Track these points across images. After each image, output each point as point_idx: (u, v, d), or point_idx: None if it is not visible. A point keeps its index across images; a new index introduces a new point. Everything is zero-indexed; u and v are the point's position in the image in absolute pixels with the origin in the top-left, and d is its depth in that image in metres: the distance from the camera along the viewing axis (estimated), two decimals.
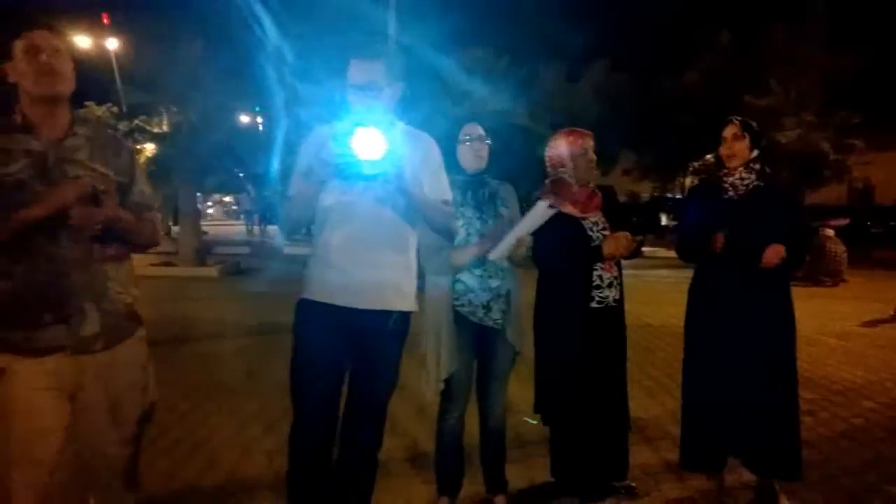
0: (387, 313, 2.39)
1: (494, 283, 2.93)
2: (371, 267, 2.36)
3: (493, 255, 2.83)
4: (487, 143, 2.99)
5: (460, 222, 2.89)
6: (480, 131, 2.98)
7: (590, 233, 3.01)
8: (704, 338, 3.17)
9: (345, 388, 2.49)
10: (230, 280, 12.45)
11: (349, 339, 2.39)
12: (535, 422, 3.19)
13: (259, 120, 26.81)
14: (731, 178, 3.17)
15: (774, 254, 2.94)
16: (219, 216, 50.32)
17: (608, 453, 3.11)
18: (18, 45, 2.02)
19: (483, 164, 2.99)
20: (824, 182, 17.96)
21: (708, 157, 20.25)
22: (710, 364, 3.12)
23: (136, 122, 13.90)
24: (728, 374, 3.06)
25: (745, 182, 3.13)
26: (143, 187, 2.23)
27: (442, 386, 2.91)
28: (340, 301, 2.36)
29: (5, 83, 2.04)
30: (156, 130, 14.01)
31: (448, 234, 2.60)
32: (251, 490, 3.35)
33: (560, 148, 3.06)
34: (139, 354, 2.23)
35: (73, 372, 2.06)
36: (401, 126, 2.46)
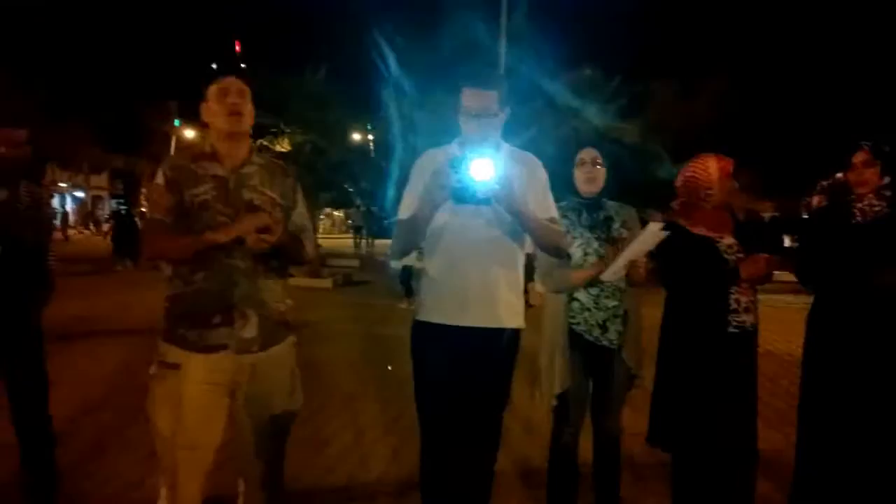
0: (500, 331, 2.49)
1: (611, 302, 2.99)
2: (483, 286, 2.47)
3: (605, 277, 2.90)
4: (602, 167, 3.05)
5: (578, 242, 2.99)
6: (595, 154, 3.05)
7: (724, 255, 3.00)
8: (822, 378, 3.05)
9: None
10: (343, 291, 13.01)
11: (464, 358, 2.48)
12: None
13: (370, 138, 27.84)
14: (860, 204, 3.09)
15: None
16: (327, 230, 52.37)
17: (733, 485, 3.07)
18: (212, 89, 2.35)
19: (597, 188, 3.05)
20: None
21: (839, 175, 19.07)
22: (828, 409, 2.99)
23: (261, 141, 14.90)
24: (847, 424, 2.93)
25: (875, 209, 3.04)
26: (301, 209, 2.49)
27: (555, 402, 3.00)
28: (455, 321, 2.47)
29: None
30: (279, 149, 14.95)
31: (557, 253, 2.66)
32: (371, 495, 3.54)
33: (710, 170, 3.06)
34: (289, 358, 2.46)
35: (234, 370, 2.31)
36: (506, 147, 2.57)
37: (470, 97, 2.46)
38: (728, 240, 3.03)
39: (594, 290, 2.99)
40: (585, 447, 3.20)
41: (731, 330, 2.95)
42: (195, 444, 2.30)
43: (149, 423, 2.33)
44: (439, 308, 2.51)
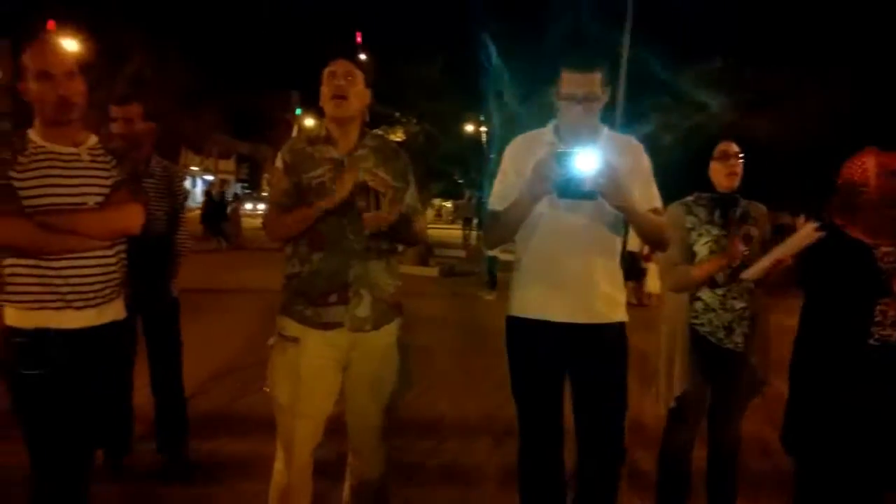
0: (603, 326, 2.38)
1: (739, 304, 2.83)
2: (583, 279, 2.36)
3: (746, 275, 2.72)
4: (742, 161, 2.89)
5: (704, 240, 2.84)
6: (735, 148, 2.89)
7: (880, 263, 2.74)
8: None
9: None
10: (447, 280, 13.15)
11: (567, 355, 2.40)
12: None
13: (483, 129, 27.91)
14: None
15: None
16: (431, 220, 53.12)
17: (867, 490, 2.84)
18: (324, 73, 2.39)
19: (736, 183, 2.89)
20: None
21: None
22: None
23: (377, 131, 15.27)
24: None
25: None
26: (413, 191, 2.52)
27: (673, 404, 2.88)
28: (553, 316, 2.37)
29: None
30: (393, 139, 15.30)
31: (660, 245, 2.52)
32: (474, 480, 3.57)
33: (866, 167, 2.84)
34: (398, 337, 2.51)
35: (347, 346, 2.38)
36: (606, 132, 2.43)
37: (569, 81, 2.30)
38: (887, 247, 2.77)
39: (720, 291, 2.84)
40: (699, 455, 3.07)
41: (872, 343, 2.71)
42: (310, 413, 2.40)
43: (268, 391, 2.44)
44: (537, 303, 2.40)
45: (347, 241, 2.34)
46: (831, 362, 2.76)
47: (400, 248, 2.58)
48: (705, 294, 2.85)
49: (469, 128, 20.76)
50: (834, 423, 2.73)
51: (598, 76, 2.29)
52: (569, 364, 2.42)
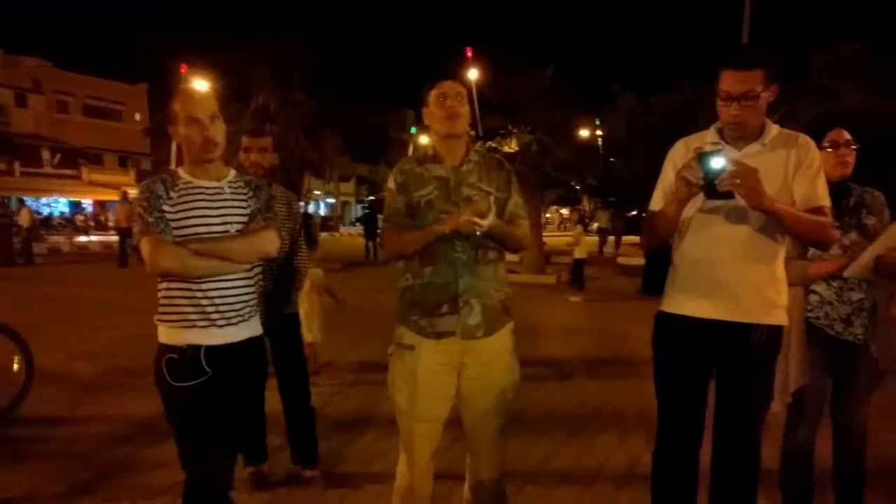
0: (751, 326, 2.35)
1: (856, 295, 2.76)
2: (730, 279, 2.35)
3: (848, 273, 2.67)
4: (854, 149, 2.82)
5: None
6: (847, 136, 2.81)
7: None
8: None
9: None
10: (566, 288, 13.08)
11: (713, 352, 2.39)
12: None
13: (599, 133, 27.44)
14: None
15: None
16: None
17: None
18: (432, 94, 2.58)
19: (848, 171, 2.81)
20: None
21: None
22: None
23: (490, 143, 15.50)
24: None
25: None
26: (517, 199, 2.64)
27: (790, 400, 2.83)
28: (701, 313, 2.38)
29: None
30: (506, 150, 15.43)
31: (819, 245, 2.44)
32: (593, 480, 3.64)
33: None
34: (509, 342, 2.63)
35: (460, 353, 2.54)
36: (774, 131, 2.39)
37: (727, 80, 2.28)
38: None
39: (836, 283, 2.78)
40: (826, 451, 2.98)
41: None
42: (427, 417, 2.57)
43: (390, 399, 2.65)
44: (684, 300, 2.44)
45: (456, 253, 2.50)
46: None
47: (517, 257, 2.69)
48: (820, 287, 2.80)
49: (584, 133, 20.54)
50: None
51: (758, 74, 2.26)
52: (716, 362, 2.42)
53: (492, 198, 2.48)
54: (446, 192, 2.53)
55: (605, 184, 26.69)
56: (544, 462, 3.87)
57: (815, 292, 2.81)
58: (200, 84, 12.68)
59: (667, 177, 2.47)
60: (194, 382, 2.30)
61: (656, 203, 2.50)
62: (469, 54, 21.13)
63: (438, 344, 2.52)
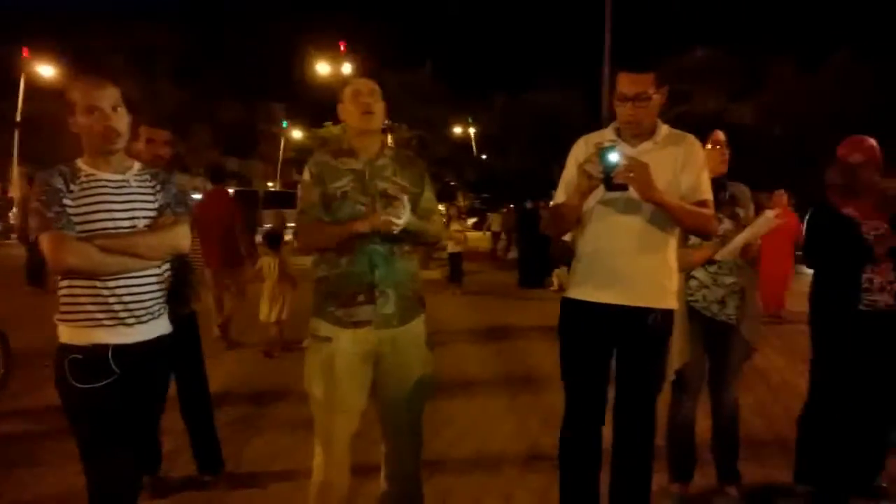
0: (646, 310, 2.53)
1: (729, 279, 3.08)
2: (627, 266, 2.53)
3: (719, 256, 3.00)
4: (729, 149, 3.16)
5: None
6: (724, 137, 3.15)
7: (866, 236, 3.03)
8: None
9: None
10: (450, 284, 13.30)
11: (612, 335, 2.57)
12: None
13: (472, 131, 28.09)
14: None
15: None
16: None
17: (864, 459, 3.12)
18: (347, 91, 2.61)
19: (725, 169, 3.15)
20: None
21: None
22: None
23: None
24: None
25: None
26: (430, 195, 2.73)
27: (673, 377, 3.10)
28: (600, 298, 2.55)
29: None
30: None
31: (702, 235, 2.67)
32: (496, 466, 3.78)
33: (844, 153, 3.14)
34: (422, 332, 2.72)
35: (376, 343, 2.59)
36: (664, 130, 2.62)
37: (623, 82, 2.49)
38: (876, 222, 3.04)
39: (712, 268, 3.09)
40: (704, 426, 3.30)
41: (862, 308, 2.99)
42: (346, 407, 2.60)
43: (307, 391, 2.64)
44: (585, 287, 2.60)
45: (372, 244, 2.55)
46: (829, 328, 3.09)
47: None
48: (699, 272, 3.10)
49: (459, 130, 21.00)
50: (827, 380, 3.03)
51: (650, 77, 2.48)
52: (616, 345, 2.59)
53: (406, 197, 2.54)
54: (362, 184, 2.58)
55: (480, 180, 27.49)
56: (448, 450, 3.98)
57: (694, 277, 3.11)
58: (46, 68, 11.68)
59: (569, 171, 2.64)
60: (100, 384, 2.20)
61: (560, 196, 2.66)
62: (343, 49, 20.98)
63: (355, 334, 2.55)
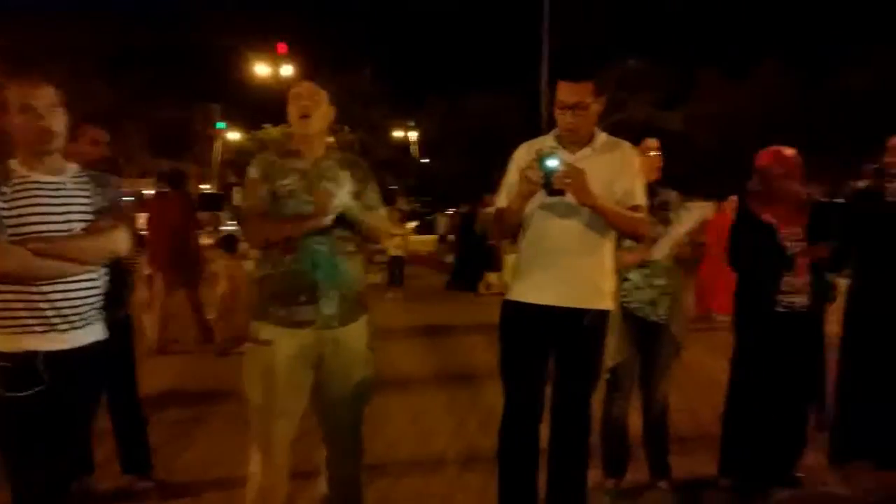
0: (582, 311, 2.61)
1: (660, 281, 3.21)
2: (566, 268, 2.61)
3: (654, 255, 3.13)
4: (660, 155, 3.30)
5: None
6: (655, 144, 3.29)
7: (784, 242, 3.20)
8: (864, 340, 3.29)
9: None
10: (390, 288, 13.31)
11: (550, 335, 2.64)
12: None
13: (413, 134, 28.12)
14: (893, 185, 3.24)
15: None
16: None
17: (782, 451, 3.29)
18: (291, 93, 2.63)
19: (657, 175, 3.29)
20: None
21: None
22: (869, 365, 3.22)
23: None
24: (887, 376, 3.17)
25: None
26: (373, 193, 2.75)
27: (607, 376, 3.20)
28: (539, 300, 2.63)
29: None
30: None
31: (636, 238, 2.78)
32: (435, 467, 3.82)
33: (764, 162, 3.31)
34: (365, 333, 2.72)
35: (317, 343, 2.58)
36: (602, 138, 2.71)
37: (563, 90, 2.57)
38: (792, 228, 3.22)
39: (645, 270, 3.22)
40: (635, 423, 3.42)
41: (780, 309, 3.17)
42: (285, 411, 2.58)
43: (243, 396, 2.61)
44: (525, 289, 2.67)
45: (315, 243, 2.55)
46: (750, 327, 3.30)
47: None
48: (632, 274, 3.21)
49: (399, 133, 20.99)
50: (747, 375, 3.21)
51: (588, 86, 2.56)
52: (553, 344, 2.65)
53: (346, 184, 2.58)
54: (307, 183, 2.59)
55: (421, 184, 27.55)
56: (388, 451, 3.99)
57: (627, 279, 3.22)
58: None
59: (511, 176, 2.71)
60: (29, 392, 2.12)
61: (502, 200, 2.73)
62: (282, 49, 20.68)
63: (296, 334, 2.55)
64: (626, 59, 16.53)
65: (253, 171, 2.65)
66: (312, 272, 2.55)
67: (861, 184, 3.70)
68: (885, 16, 20.12)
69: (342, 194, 2.50)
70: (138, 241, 6.57)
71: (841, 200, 4.50)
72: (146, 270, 6.62)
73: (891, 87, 17.92)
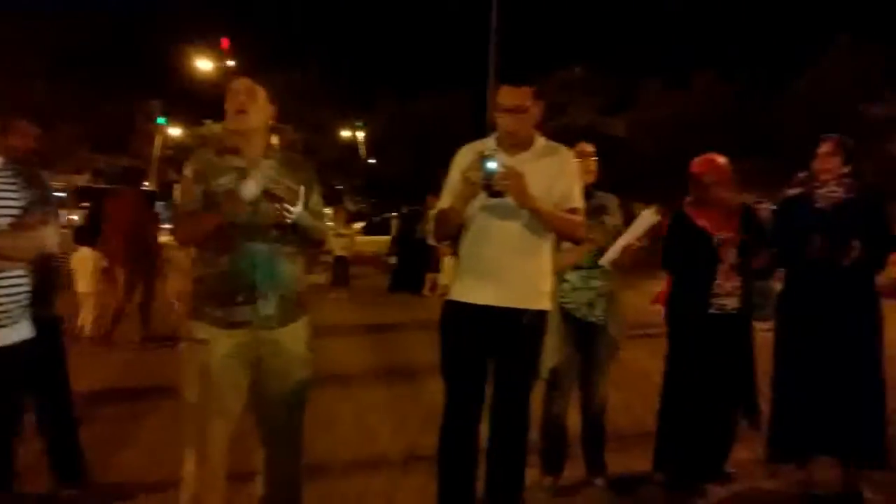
0: (521, 311, 2.66)
1: (597, 282, 3.29)
2: (505, 269, 2.65)
3: (603, 261, 3.20)
4: (595, 159, 3.37)
5: None
6: (590, 149, 3.36)
7: (716, 246, 3.32)
8: (795, 341, 3.42)
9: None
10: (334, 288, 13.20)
11: (490, 335, 2.67)
12: None
13: (360, 135, 27.93)
14: (822, 191, 3.40)
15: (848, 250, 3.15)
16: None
17: (713, 447, 3.42)
18: (228, 89, 2.58)
19: (592, 178, 3.36)
20: None
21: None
22: (800, 365, 3.36)
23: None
24: (817, 375, 3.30)
25: (835, 194, 3.36)
26: (316, 197, 2.72)
27: (546, 376, 3.26)
28: (479, 300, 2.66)
29: None
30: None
31: (574, 241, 2.85)
32: (377, 467, 3.80)
33: (697, 169, 3.42)
34: (304, 334, 2.70)
35: (255, 344, 2.55)
36: (541, 142, 2.76)
37: (503, 94, 2.64)
38: (725, 234, 3.33)
39: (583, 272, 3.28)
40: (573, 421, 3.49)
41: (713, 311, 3.29)
42: (222, 411, 2.54)
43: (179, 396, 2.57)
44: (465, 289, 2.71)
45: (253, 243, 2.51)
46: (684, 329, 3.42)
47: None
48: (571, 276, 3.28)
49: (346, 134, 20.82)
50: (680, 375, 3.32)
51: (528, 90, 2.62)
52: (493, 344, 2.68)
53: (302, 189, 2.55)
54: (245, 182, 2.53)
55: (368, 184, 27.39)
56: (330, 451, 3.96)
57: (566, 280, 3.29)
58: None
59: (453, 178, 2.73)
60: None
61: (444, 201, 2.76)
62: (225, 45, 20.28)
63: (233, 335, 2.51)
64: (572, 66, 16.92)
65: (187, 170, 2.60)
66: (251, 272, 2.51)
67: (793, 190, 3.86)
68: (818, 29, 21.13)
69: (299, 202, 2.47)
70: (88, 236, 6.98)
71: (774, 206, 4.71)
72: (104, 263, 6.94)
73: (823, 96, 18.78)
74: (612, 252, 3.17)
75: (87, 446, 3.48)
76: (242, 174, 2.55)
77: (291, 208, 2.44)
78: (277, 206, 2.43)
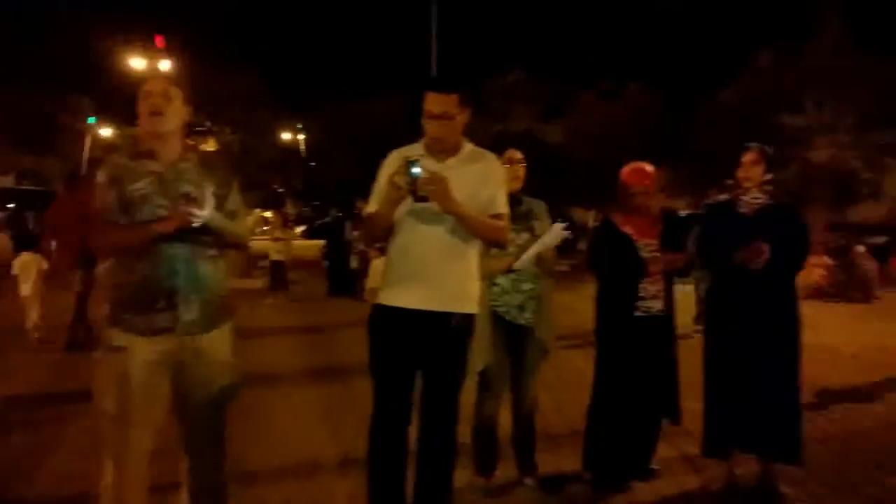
0: (449, 314, 2.68)
1: (527, 286, 3.34)
2: (432, 273, 2.66)
3: (517, 265, 3.25)
4: (524, 165, 3.42)
5: None
6: (519, 155, 3.41)
7: (641, 252, 3.44)
8: (719, 341, 3.55)
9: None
10: (273, 293, 13.00)
11: (418, 338, 2.68)
12: None
13: (301, 137, 27.56)
14: (745, 198, 3.55)
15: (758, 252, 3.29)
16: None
17: (640, 445, 3.52)
18: (140, 90, 2.50)
19: (520, 185, 3.41)
20: (859, 199, 18.17)
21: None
22: (724, 364, 3.49)
23: (187, 140, 14.66)
24: (739, 374, 3.43)
25: (757, 201, 3.51)
26: (235, 197, 2.67)
27: (477, 378, 3.30)
28: (406, 304, 2.67)
29: None
30: (205, 149, 14.77)
31: (497, 245, 2.87)
32: (312, 472, 3.77)
33: (625, 178, 3.52)
34: (228, 339, 2.65)
35: (177, 350, 2.49)
36: (468, 148, 2.79)
37: (430, 101, 2.65)
38: (648, 239, 3.46)
39: (512, 276, 3.33)
40: (504, 422, 3.53)
41: (639, 314, 3.40)
42: (143, 420, 2.47)
43: (95, 407, 2.48)
44: (393, 293, 2.71)
45: (173, 248, 2.45)
46: (610, 331, 3.51)
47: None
48: (501, 279, 3.32)
49: (286, 136, 20.50)
50: (608, 377, 3.40)
51: (454, 97, 2.64)
52: (421, 346, 2.69)
53: (210, 190, 2.48)
54: (162, 186, 2.48)
55: (309, 187, 27.04)
56: (263, 456, 3.90)
57: (496, 284, 3.33)
58: None
59: (380, 182, 2.74)
60: None
61: (372, 205, 2.77)
62: (160, 43, 19.66)
63: (153, 342, 2.45)
64: (508, 71, 17.13)
65: (101, 176, 2.52)
66: (170, 278, 2.45)
67: (721, 196, 4.02)
68: (742, 43, 22.01)
69: (207, 204, 2.40)
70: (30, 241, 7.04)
71: (700, 212, 4.88)
72: (44, 265, 7.18)
73: (747, 107, 19.57)
74: (527, 259, 3.21)
75: (14, 454, 3.34)
76: (160, 179, 2.48)
77: (198, 211, 2.37)
78: (183, 208, 2.37)
